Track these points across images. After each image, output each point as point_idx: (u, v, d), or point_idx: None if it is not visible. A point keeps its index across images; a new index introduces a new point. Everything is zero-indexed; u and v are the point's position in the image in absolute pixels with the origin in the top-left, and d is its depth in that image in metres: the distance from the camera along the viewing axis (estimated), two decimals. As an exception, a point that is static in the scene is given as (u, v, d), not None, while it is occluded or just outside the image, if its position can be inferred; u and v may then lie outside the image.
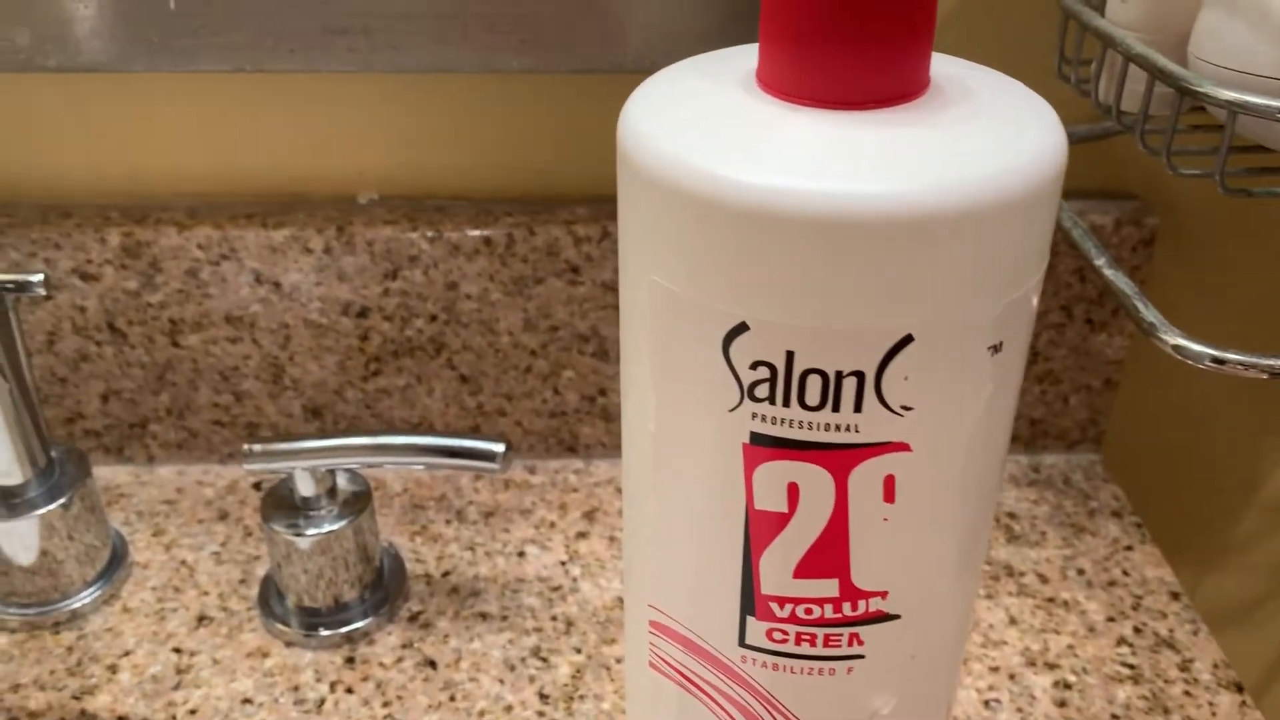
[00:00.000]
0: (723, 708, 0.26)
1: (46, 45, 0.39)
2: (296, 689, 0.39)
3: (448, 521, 0.46)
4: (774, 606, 0.24)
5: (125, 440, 0.48)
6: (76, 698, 0.38)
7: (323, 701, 0.38)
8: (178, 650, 0.40)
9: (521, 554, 0.45)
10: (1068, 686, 0.39)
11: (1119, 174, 0.46)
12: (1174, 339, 0.31)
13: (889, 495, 0.22)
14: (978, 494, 0.24)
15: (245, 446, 0.39)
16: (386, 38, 0.39)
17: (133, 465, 0.49)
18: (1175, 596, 0.43)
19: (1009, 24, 0.42)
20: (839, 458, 0.22)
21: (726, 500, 0.23)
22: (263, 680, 0.39)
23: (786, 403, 0.21)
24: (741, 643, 0.25)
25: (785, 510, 0.23)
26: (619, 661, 0.40)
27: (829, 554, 0.23)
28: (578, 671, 0.39)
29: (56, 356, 0.46)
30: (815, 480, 0.22)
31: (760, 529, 0.23)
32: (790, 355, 0.21)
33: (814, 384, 0.21)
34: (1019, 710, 0.38)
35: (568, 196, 0.46)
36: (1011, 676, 0.39)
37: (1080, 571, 0.44)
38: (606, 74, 0.40)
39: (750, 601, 0.24)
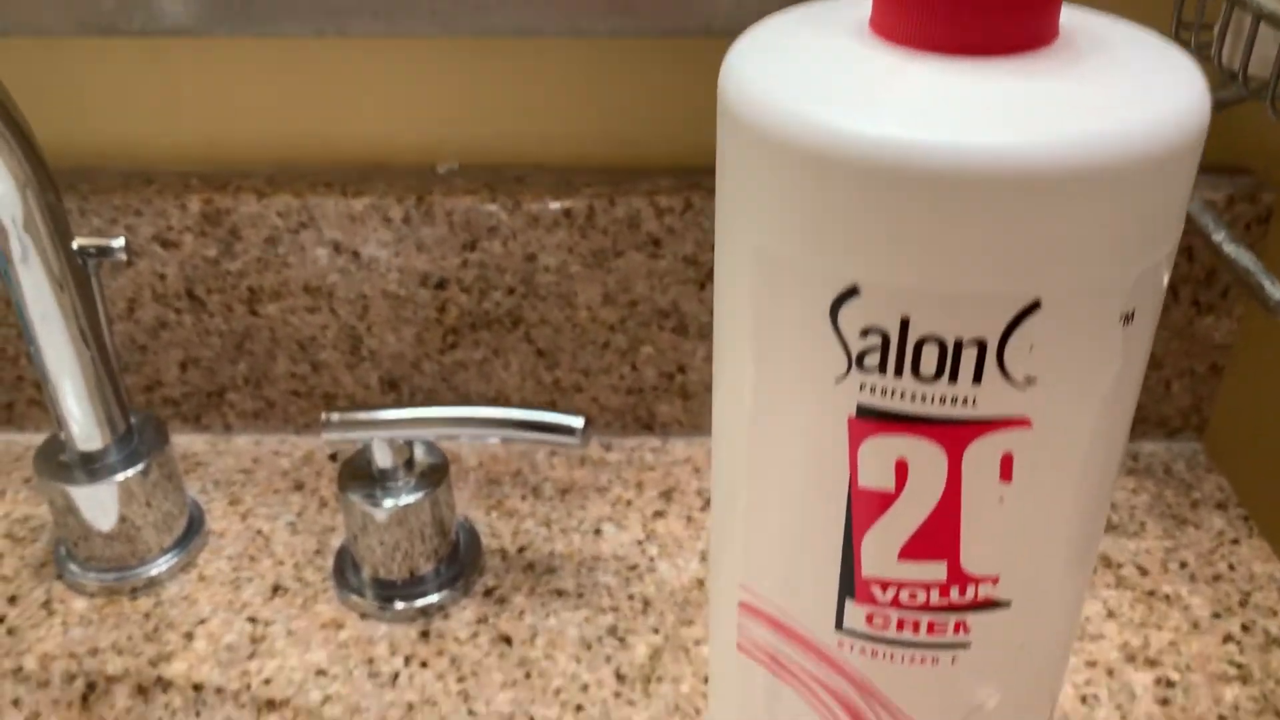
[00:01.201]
0: (815, 694, 0.25)
1: (130, 9, 0.39)
2: (371, 662, 0.38)
3: (523, 497, 0.46)
4: (875, 590, 0.23)
5: (203, 409, 0.48)
6: (153, 664, 0.38)
7: (396, 675, 0.38)
8: (253, 620, 0.40)
9: (598, 532, 0.44)
10: (1170, 684, 0.37)
11: (1232, 147, 0.43)
12: (1304, 318, 0.29)
13: (1006, 474, 0.21)
14: (1098, 475, 0.22)
15: (324, 415, 0.38)
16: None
17: (210, 434, 0.49)
18: (1285, 594, 0.40)
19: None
20: (953, 433, 0.20)
21: (828, 477, 0.22)
22: (337, 652, 0.39)
23: (899, 373, 0.20)
24: (839, 627, 0.24)
25: (892, 489, 0.21)
26: (698, 644, 0.39)
27: (938, 535, 0.22)
28: (655, 653, 0.38)
29: (137, 324, 0.46)
30: (926, 457, 0.21)
31: (864, 508, 0.22)
32: (905, 321, 0.19)
33: (930, 353, 0.19)
34: (1118, 708, 0.36)
35: (651, 167, 0.44)
36: (1110, 672, 0.37)
37: (1183, 565, 0.42)
38: (695, 37, 0.39)
39: (849, 584, 0.23)
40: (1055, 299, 0.19)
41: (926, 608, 0.23)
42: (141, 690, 0.38)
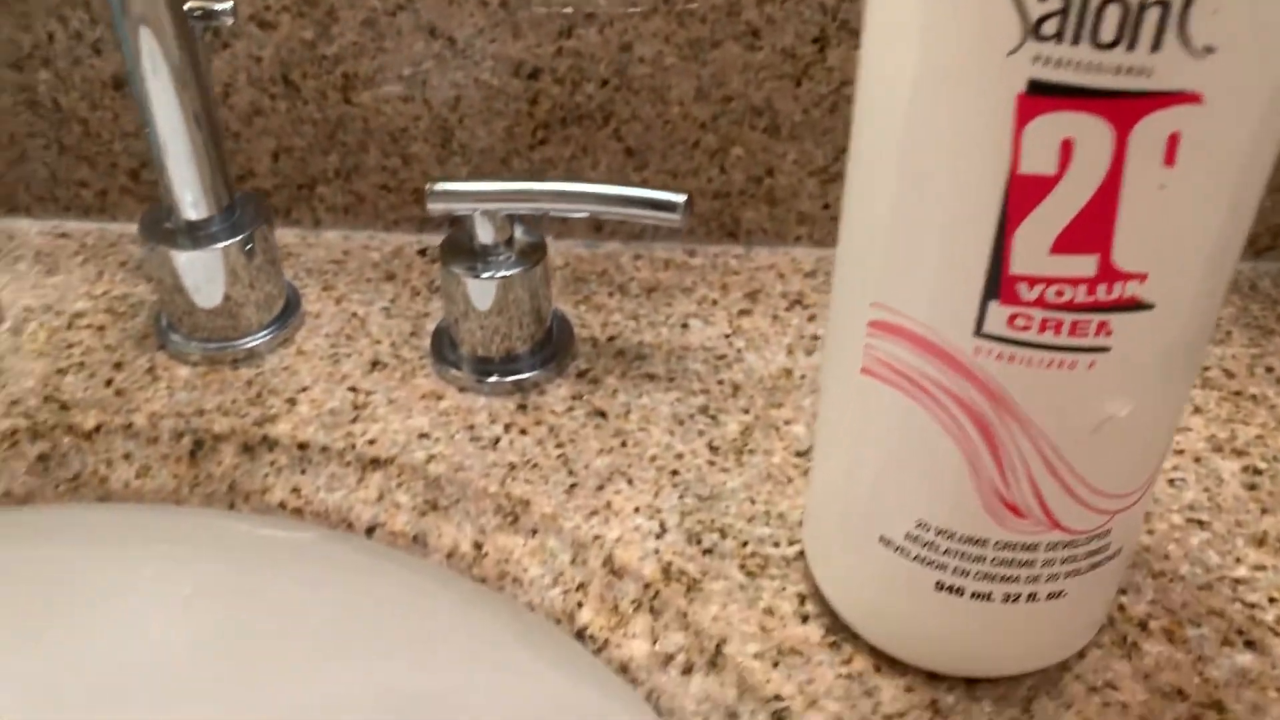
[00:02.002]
0: (945, 409, 0.25)
1: None
2: (471, 428, 0.39)
3: (610, 294, 0.46)
4: (1022, 288, 0.23)
5: (293, 202, 0.49)
6: (258, 424, 0.39)
7: (497, 440, 0.39)
8: (353, 389, 0.41)
9: (685, 326, 0.44)
10: (1258, 472, 0.37)
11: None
12: None
13: (1170, 157, 0.21)
14: (1256, 173, 0.22)
15: (428, 186, 0.39)
16: None
17: (299, 229, 0.50)
18: (1372, 399, 0.41)
19: None
20: (1124, 108, 0.20)
21: (988, 165, 0.22)
22: (438, 419, 0.40)
23: (1076, 41, 0.20)
24: (978, 332, 0.24)
25: (1054, 173, 0.21)
26: (787, 423, 0.39)
27: (1093, 226, 0.22)
28: (746, 429, 0.39)
29: (231, 110, 0.46)
30: (1093, 135, 0.21)
31: (1021, 197, 0.22)
32: (1089, -20, 0.19)
33: (1111, 15, 0.19)
34: (1205, 490, 0.37)
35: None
36: (1197, 460, 0.38)
37: (1269, 369, 0.42)
38: None
39: (995, 284, 0.23)
40: (1246, -42, 0.19)
41: (1071, 307, 0.23)
42: (248, 448, 0.39)
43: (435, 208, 0.39)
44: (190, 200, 0.40)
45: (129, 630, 0.41)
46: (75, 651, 0.41)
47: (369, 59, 0.45)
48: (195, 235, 0.41)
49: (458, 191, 0.39)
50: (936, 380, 0.25)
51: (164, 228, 0.41)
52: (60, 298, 0.46)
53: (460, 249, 0.40)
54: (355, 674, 0.39)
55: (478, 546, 0.37)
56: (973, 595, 0.28)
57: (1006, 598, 0.28)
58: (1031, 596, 0.28)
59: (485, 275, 0.39)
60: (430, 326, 0.44)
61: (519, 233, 0.41)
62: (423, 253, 0.48)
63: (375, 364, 0.42)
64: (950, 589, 0.28)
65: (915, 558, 0.28)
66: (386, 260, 0.48)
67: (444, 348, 0.42)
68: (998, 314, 0.24)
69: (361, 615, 0.39)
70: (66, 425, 0.40)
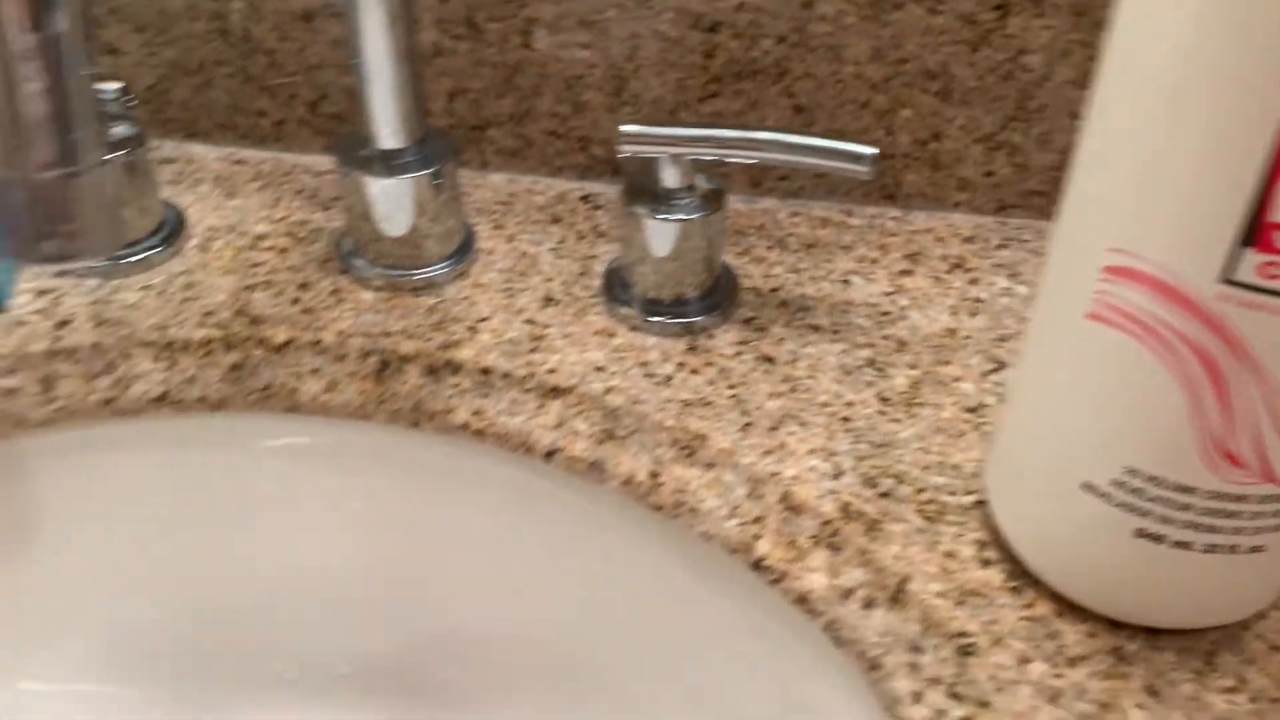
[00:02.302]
0: (1177, 353, 0.26)
1: None
2: (645, 364, 0.40)
3: (769, 248, 0.47)
4: (1278, 236, 0.24)
5: (464, 143, 0.50)
6: (442, 349, 0.41)
7: (670, 378, 0.40)
8: (530, 322, 0.42)
9: (846, 282, 0.45)
10: None
11: None
12: None
13: None
14: None
15: (620, 128, 0.40)
16: None
17: (468, 169, 0.51)
18: None
19: None
20: None
21: (1261, 112, 0.22)
22: (612, 354, 0.41)
23: (1380, -12, 0.20)
24: (1224, 279, 0.25)
25: (1332, 120, 0.22)
26: (956, 380, 0.40)
27: (1363, 176, 0.22)
28: (915, 383, 0.40)
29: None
30: (1381, 85, 0.21)
31: (1294, 143, 0.22)
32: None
33: None
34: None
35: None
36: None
37: None
38: None
39: (1251, 231, 0.24)
40: None
41: (1326, 257, 0.24)
42: (432, 370, 0.41)
43: (624, 150, 0.40)
44: (389, 131, 0.41)
45: (308, 538, 0.42)
46: (251, 554, 0.43)
47: (553, 4, 0.46)
48: (389, 164, 0.42)
49: (649, 135, 0.40)
50: (1173, 326, 0.26)
51: (359, 155, 0.42)
52: (241, 220, 0.48)
53: (643, 192, 0.41)
54: (526, 596, 0.41)
55: (654, 476, 0.38)
56: (1174, 544, 0.29)
57: (1207, 548, 0.29)
58: (1232, 549, 0.29)
59: (667, 218, 0.40)
60: (598, 269, 0.45)
61: (699, 180, 0.42)
62: (585, 198, 0.50)
63: (549, 300, 0.44)
64: (1151, 536, 0.29)
65: (1119, 504, 0.29)
66: (551, 204, 0.49)
67: (615, 288, 0.43)
68: (1249, 261, 0.24)
69: (535, 538, 0.41)
70: (258, 339, 0.42)
